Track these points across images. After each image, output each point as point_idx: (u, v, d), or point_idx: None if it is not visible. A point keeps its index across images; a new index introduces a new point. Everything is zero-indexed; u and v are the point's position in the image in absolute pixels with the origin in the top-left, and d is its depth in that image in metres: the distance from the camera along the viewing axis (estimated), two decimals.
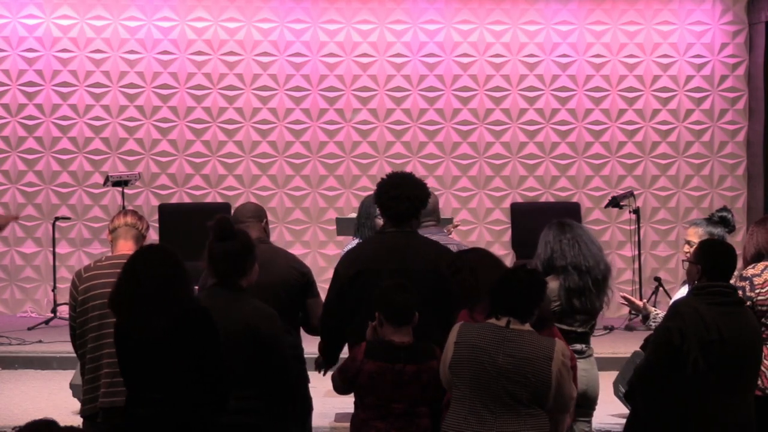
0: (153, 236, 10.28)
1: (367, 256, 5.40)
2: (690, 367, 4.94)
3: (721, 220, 6.69)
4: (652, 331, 5.86)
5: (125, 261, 5.03)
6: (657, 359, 5.07)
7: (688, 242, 6.64)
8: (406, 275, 5.15)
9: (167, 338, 4.63)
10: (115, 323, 4.80)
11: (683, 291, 6.47)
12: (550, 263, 5.71)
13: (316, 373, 5.90)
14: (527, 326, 4.61)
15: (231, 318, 4.86)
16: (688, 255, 6.69)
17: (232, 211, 6.46)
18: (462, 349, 4.62)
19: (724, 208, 6.90)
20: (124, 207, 10.85)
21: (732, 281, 6.25)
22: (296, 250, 11.68)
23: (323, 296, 5.72)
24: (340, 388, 5.14)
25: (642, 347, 5.39)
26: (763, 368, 5.68)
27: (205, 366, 4.66)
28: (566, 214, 9.13)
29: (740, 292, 5.74)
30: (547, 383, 4.51)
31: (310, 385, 6.11)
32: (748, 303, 5.71)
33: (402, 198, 5.35)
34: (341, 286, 5.37)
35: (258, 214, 6.14)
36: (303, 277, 5.94)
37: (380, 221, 6.64)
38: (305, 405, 6.00)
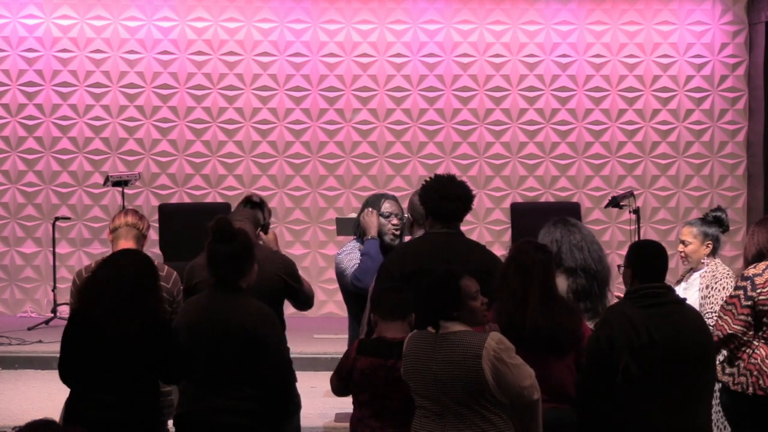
0: (153, 236, 10.27)
1: (424, 255, 5.37)
2: (620, 374, 4.84)
3: (715, 219, 6.70)
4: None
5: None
6: (589, 367, 4.98)
7: (683, 242, 6.66)
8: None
9: (135, 341, 4.82)
10: (78, 314, 5.01)
11: (679, 290, 6.47)
12: (557, 262, 5.70)
13: (311, 374, 5.90)
14: (457, 326, 4.63)
15: (230, 319, 4.90)
16: (682, 254, 6.71)
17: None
18: (407, 359, 4.71)
19: (718, 207, 6.90)
20: (124, 207, 10.84)
21: (733, 281, 6.27)
22: (296, 250, 11.69)
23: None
24: (337, 388, 5.15)
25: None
26: (764, 367, 5.68)
27: (160, 372, 4.90)
28: (566, 214, 9.06)
29: (741, 292, 5.74)
30: (481, 380, 4.52)
31: (311, 386, 6.11)
32: (750, 303, 5.70)
33: (453, 198, 5.41)
34: (394, 282, 5.27)
35: (253, 221, 6.09)
36: (290, 278, 5.90)
37: (370, 219, 6.65)
38: (296, 403, 6.02)
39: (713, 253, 6.63)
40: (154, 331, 4.90)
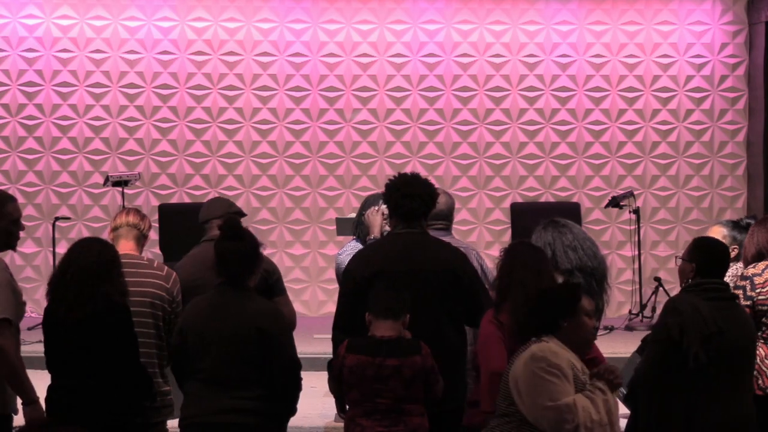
0: (153, 236, 10.26)
1: (384, 257, 5.33)
2: (691, 361, 4.92)
3: (747, 226, 6.69)
4: (649, 332, 5.84)
5: (124, 261, 5.22)
6: (658, 356, 5.04)
7: None
8: (422, 276, 5.15)
9: (87, 328, 4.90)
10: (45, 309, 5.08)
11: None
12: (552, 265, 5.69)
13: (311, 374, 5.92)
14: (552, 341, 4.60)
15: (240, 318, 4.91)
16: None
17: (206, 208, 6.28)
18: None
19: (754, 216, 6.92)
20: (124, 206, 10.83)
21: (732, 281, 6.27)
22: (296, 250, 11.70)
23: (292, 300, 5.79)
24: (333, 387, 5.16)
25: (639, 350, 5.36)
26: (764, 367, 5.68)
27: (121, 361, 4.95)
28: (566, 214, 9.08)
29: (741, 292, 5.75)
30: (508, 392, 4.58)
31: (311, 386, 6.12)
32: (749, 302, 5.71)
33: (414, 196, 5.33)
34: (356, 286, 5.28)
35: (228, 210, 6.06)
36: (269, 276, 5.77)
37: (374, 218, 6.64)
38: None
39: (736, 258, 6.62)
40: (108, 315, 4.96)
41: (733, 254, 6.59)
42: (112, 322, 4.97)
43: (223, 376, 4.91)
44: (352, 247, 6.86)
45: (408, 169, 11.80)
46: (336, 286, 6.94)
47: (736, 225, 6.71)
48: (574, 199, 11.93)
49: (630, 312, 11.19)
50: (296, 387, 5.08)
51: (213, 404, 4.91)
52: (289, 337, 5.04)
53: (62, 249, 11.71)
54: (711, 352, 4.94)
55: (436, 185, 5.64)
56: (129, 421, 5.02)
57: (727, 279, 6.44)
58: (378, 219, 6.64)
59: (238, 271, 5.00)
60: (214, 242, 5.10)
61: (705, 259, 5.17)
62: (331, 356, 5.38)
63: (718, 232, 6.64)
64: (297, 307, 7.25)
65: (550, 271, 5.16)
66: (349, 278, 5.38)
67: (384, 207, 6.62)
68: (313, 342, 9.51)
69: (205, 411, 4.92)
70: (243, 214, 6.08)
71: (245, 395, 4.89)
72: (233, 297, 4.99)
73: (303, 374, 5.16)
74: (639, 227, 11.35)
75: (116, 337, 4.97)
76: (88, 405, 4.91)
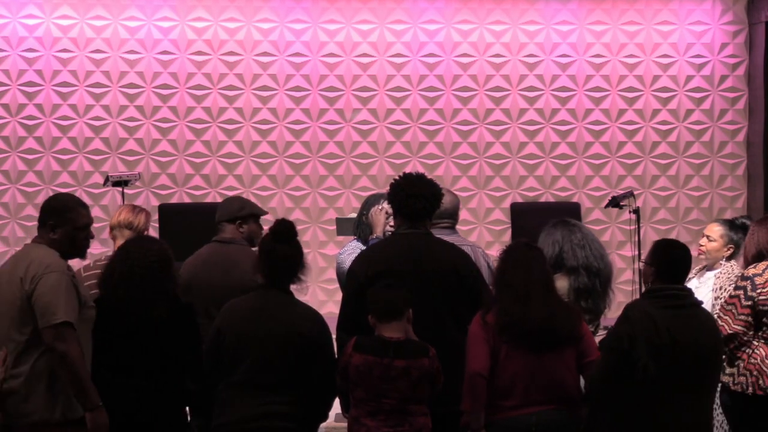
0: (153, 235, 10.25)
1: (387, 257, 5.36)
2: (639, 372, 4.86)
3: (742, 226, 6.71)
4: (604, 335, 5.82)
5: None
6: (607, 364, 4.98)
7: (707, 236, 6.69)
8: (425, 276, 5.16)
9: (160, 329, 4.84)
10: (100, 308, 4.90)
11: (691, 287, 6.46)
12: (558, 262, 5.71)
13: None
14: None
15: (282, 321, 4.92)
16: (702, 248, 6.72)
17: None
18: None
19: (749, 216, 6.95)
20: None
21: (731, 281, 6.28)
22: None
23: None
24: (338, 384, 5.17)
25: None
26: (764, 367, 5.68)
27: (187, 360, 4.90)
28: (566, 214, 9.10)
29: (741, 292, 5.74)
30: None
31: None
32: (750, 303, 5.71)
33: (419, 196, 5.37)
34: (359, 286, 5.30)
35: (236, 214, 6.03)
36: None
37: (378, 217, 6.65)
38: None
39: (731, 257, 6.65)
40: (178, 315, 4.91)
41: (727, 253, 6.64)
42: (184, 320, 4.94)
43: (261, 380, 4.90)
44: (352, 247, 6.87)
45: (408, 169, 11.84)
46: (336, 286, 6.95)
47: (732, 225, 6.74)
48: (574, 199, 11.93)
49: None
50: (333, 392, 5.10)
51: (251, 410, 4.90)
52: (331, 343, 5.06)
53: None
54: (663, 362, 4.84)
55: (440, 185, 5.65)
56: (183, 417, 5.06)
57: (724, 279, 6.49)
58: (381, 218, 6.65)
59: (284, 273, 5.00)
60: (260, 243, 5.10)
61: (664, 262, 5.04)
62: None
63: (715, 231, 6.68)
64: None
65: (542, 270, 5.15)
66: (353, 278, 5.40)
67: (387, 206, 6.64)
68: None
69: (243, 418, 4.91)
70: (262, 213, 6.04)
71: (282, 399, 4.90)
72: (275, 300, 4.98)
73: None
74: (639, 227, 11.34)
75: (189, 335, 4.93)
76: (151, 404, 4.86)
